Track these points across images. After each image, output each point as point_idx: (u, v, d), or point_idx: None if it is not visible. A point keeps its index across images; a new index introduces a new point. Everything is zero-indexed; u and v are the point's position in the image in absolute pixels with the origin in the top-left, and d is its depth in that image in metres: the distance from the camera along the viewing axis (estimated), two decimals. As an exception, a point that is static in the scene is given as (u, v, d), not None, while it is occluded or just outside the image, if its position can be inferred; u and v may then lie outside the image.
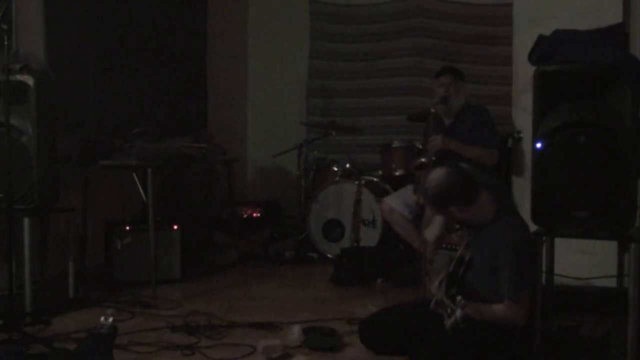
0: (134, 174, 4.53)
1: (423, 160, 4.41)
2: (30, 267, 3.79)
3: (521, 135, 4.95)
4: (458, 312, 2.67)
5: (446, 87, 4.52)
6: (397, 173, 5.27)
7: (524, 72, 4.26)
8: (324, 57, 6.66)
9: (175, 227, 4.73)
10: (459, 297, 2.71)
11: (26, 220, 3.77)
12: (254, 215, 6.02)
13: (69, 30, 4.53)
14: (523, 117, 4.76)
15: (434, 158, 4.37)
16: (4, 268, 3.62)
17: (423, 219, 4.26)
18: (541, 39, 3.06)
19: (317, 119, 6.57)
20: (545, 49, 3.00)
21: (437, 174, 2.93)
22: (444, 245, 3.41)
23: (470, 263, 2.97)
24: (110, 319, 2.93)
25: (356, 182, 5.35)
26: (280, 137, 6.49)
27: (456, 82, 4.56)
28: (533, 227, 3.00)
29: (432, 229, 3.41)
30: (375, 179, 5.58)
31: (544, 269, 3.07)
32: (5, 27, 3.41)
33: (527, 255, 2.87)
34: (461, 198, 2.89)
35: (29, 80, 3.71)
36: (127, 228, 4.60)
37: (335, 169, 5.75)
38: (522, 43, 4.60)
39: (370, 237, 5.28)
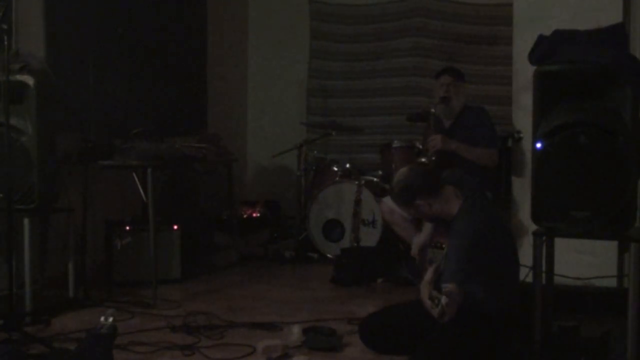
0: (134, 174, 4.53)
1: (423, 160, 4.41)
2: (30, 267, 3.79)
3: (521, 135, 4.93)
4: (443, 299, 2.73)
5: (446, 87, 4.52)
6: (397, 173, 5.27)
7: (524, 72, 4.26)
8: (324, 57, 6.66)
9: (175, 227, 4.73)
10: (444, 285, 2.77)
11: (26, 220, 3.77)
12: (254, 215, 6.01)
13: (69, 30, 4.53)
14: (523, 117, 4.74)
15: (433, 158, 4.37)
16: (4, 268, 3.62)
17: (423, 220, 4.26)
18: (541, 39, 3.06)
19: (317, 119, 6.57)
20: (545, 49, 3.00)
21: (401, 171, 3.18)
22: (444, 246, 3.42)
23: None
24: (110, 319, 2.93)
25: (356, 182, 5.35)
26: (280, 137, 6.48)
27: (456, 83, 4.56)
28: (533, 227, 3.00)
29: (420, 236, 3.44)
30: (375, 179, 5.57)
31: (543, 269, 3.07)
32: (5, 27, 3.41)
33: (466, 250, 2.86)
34: (424, 190, 3.04)
35: (29, 80, 3.71)
36: (127, 228, 4.60)
37: (335, 169, 5.75)
38: (522, 43, 4.58)
39: (370, 237, 5.27)
